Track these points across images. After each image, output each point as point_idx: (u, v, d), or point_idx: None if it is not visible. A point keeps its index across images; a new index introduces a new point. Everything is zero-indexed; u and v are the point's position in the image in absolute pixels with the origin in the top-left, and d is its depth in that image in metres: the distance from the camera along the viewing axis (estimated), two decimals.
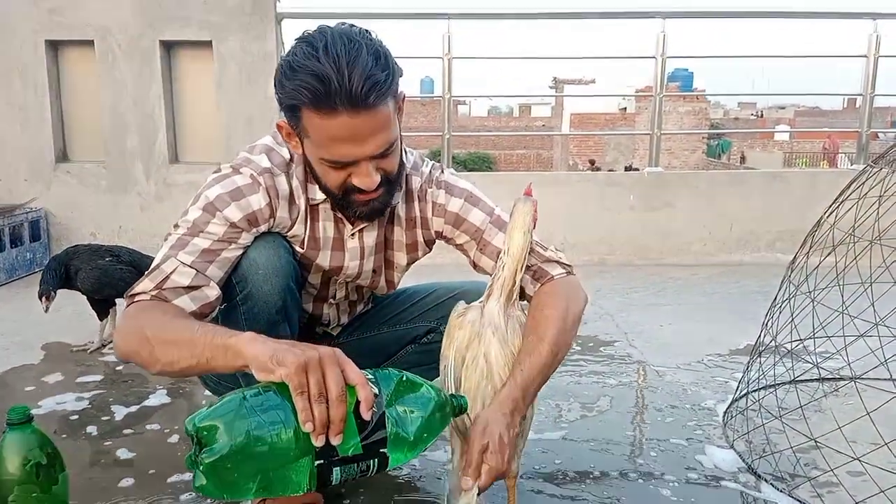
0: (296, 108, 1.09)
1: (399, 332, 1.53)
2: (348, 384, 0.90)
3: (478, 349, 1.12)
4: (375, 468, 0.92)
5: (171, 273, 1.13)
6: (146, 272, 1.15)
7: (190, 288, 1.14)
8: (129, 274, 2.21)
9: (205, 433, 0.85)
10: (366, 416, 0.88)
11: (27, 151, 3.65)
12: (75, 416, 1.82)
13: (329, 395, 0.87)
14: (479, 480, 1.01)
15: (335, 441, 0.87)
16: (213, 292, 1.16)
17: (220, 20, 3.52)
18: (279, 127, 1.19)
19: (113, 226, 3.71)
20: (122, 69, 3.57)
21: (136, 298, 1.14)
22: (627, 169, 17.46)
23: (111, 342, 2.33)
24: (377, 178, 1.14)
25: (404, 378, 0.96)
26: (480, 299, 1.18)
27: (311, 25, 1.13)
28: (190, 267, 1.14)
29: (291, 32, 3.72)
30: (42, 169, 3.67)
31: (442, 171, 1.38)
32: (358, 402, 0.89)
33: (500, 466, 1.03)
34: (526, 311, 1.22)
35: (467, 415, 1.09)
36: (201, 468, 0.85)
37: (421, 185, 1.35)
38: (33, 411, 1.82)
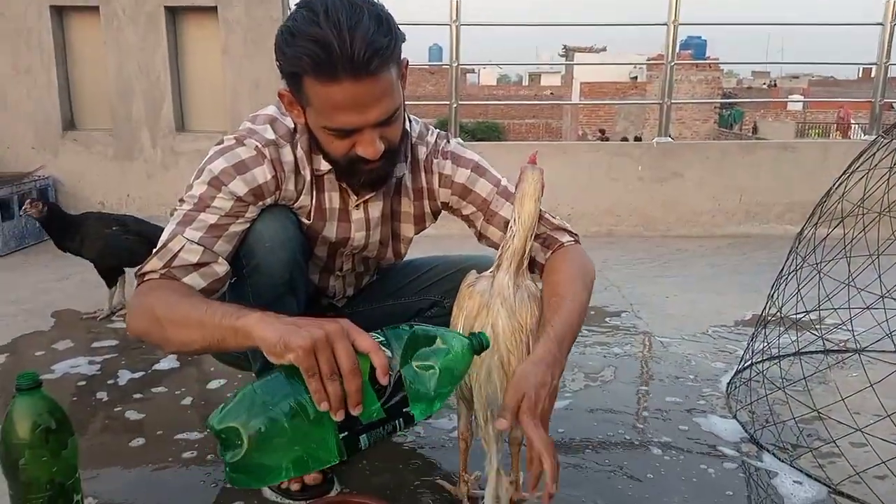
0: (297, 76, 1.06)
1: (403, 305, 1.53)
2: (360, 353, 0.89)
3: (486, 319, 1.12)
4: (402, 426, 0.92)
5: (178, 251, 1.13)
6: (155, 249, 1.15)
7: (198, 265, 1.14)
8: (135, 244, 2.23)
9: (223, 436, 0.86)
10: (383, 381, 0.88)
11: (34, 118, 3.65)
12: (85, 382, 1.84)
13: (342, 370, 0.87)
14: (513, 424, 0.97)
15: (355, 412, 0.87)
16: (221, 268, 1.16)
17: None
18: (281, 96, 1.18)
19: (121, 194, 3.72)
20: (128, 34, 3.55)
21: (146, 277, 1.14)
22: (636, 140, 17.32)
23: (121, 309, 2.36)
24: (381, 147, 1.12)
25: (416, 332, 0.94)
26: (491, 269, 1.18)
27: None
28: (198, 244, 1.14)
29: None
30: (49, 136, 3.67)
31: (448, 141, 1.36)
32: (373, 369, 0.89)
33: (540, 415, 0.98)
34: (536, 282, 1.21)
35: (472, 381, 1.10)
36: (228, 467, 0.87)
37: (427, 156, 1.33)
38: (44, 377, 1.85)
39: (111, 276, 2.35)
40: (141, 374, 1.89)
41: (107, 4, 3.51)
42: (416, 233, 1.42)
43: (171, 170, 3.68)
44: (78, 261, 2.35)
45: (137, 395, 1.76)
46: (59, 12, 3.60)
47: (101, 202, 3.71)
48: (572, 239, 1.30)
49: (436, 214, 1.41)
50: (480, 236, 1.37)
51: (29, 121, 3.65)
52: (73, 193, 3.70)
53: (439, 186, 1.35)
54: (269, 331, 0.90)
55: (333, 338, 0.88)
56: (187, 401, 1.73)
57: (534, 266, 1.28)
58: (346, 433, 0.88)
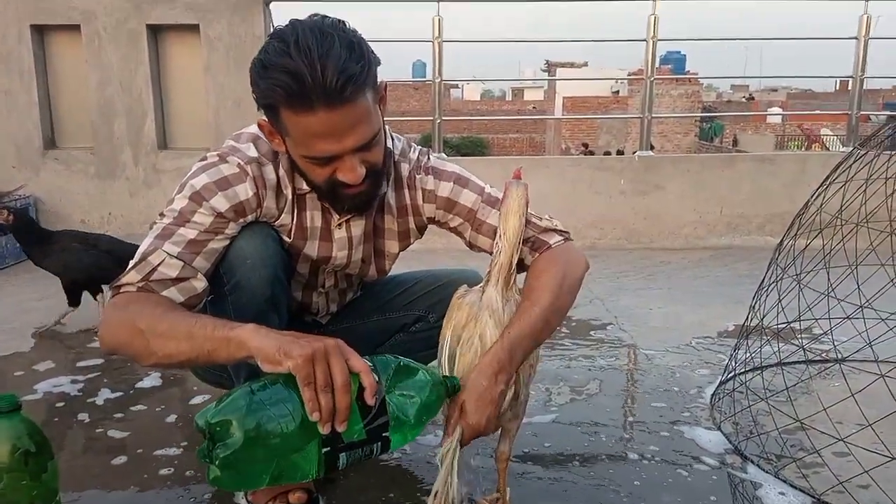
0: (273, 108, 1.07)
1: (388, 321, 1.53)
2: (352, 372, 0.91)
3: (473, 330, 1.13)
4: (378, 451, 0.95)
5: (158, 265, 1.12)
6: (132, 262, 1.14)
7: (177, 280, 1.13)
8: (102, 260, 2.23)
9: (217, 429, 0.87)
10: (370, 401, 0.91)
11: (14, 137, 3.63)
12: (67, 402, 1.82)
13: (334, 385, 0.89)
14: (456, 435, 1.03)
15: (340, 428, 0.90)
16: (200, 284, 1.15)
17: (206, 2, 3.49)
18: (260, 126, 1.18)
19: (102, 212, 3.69)
20: (109, 53, 3.54)
21: (123, 290, 1.13)
22: (619, 153, 17.47)
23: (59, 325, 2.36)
24: (362, 172, 1.12)
25: (401, 363, 0.98)
26: (481, 283, 1.18)
27: (299, 7, 1.13)
28: (177, 258, 1.13)
29: (280, 15, 3.70)
30: (30, 155, 3.64)
31: (428, 157, 1.37)
32: (361, 390, 0.91)
33: (479, 423, 1.04)
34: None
35: None
36: (216, 462, 0.87)
37: (409, 172, 1.34)
38: (25, 397, 1.83)
39: (74, 292, 2.32)
40: (122, 393, 1.87)
41: (88, 23, 3.50)
42: (401, 249, 1.42)
43: (153, 188, 3.66)
44: (59, 280, 2.33)
45: (119, 415, 1.74)
46: (39, 31, 3.59)
47: (83, 220, 3.69)
48: (561, 238, 1.29)
49: (421, 230, 1.41)
50: (471, 246, 1.37)
51: (10, 140, 3.63)
52: (54, 212, 3.67)
53: (423, 202, 1.35)
54: (266, 341, 0.93)
55: (330, 352, 0.91)
56: (171, 418, 1.72)
57: (523, 268, 1.28)
58: (328, 448, 0.90)
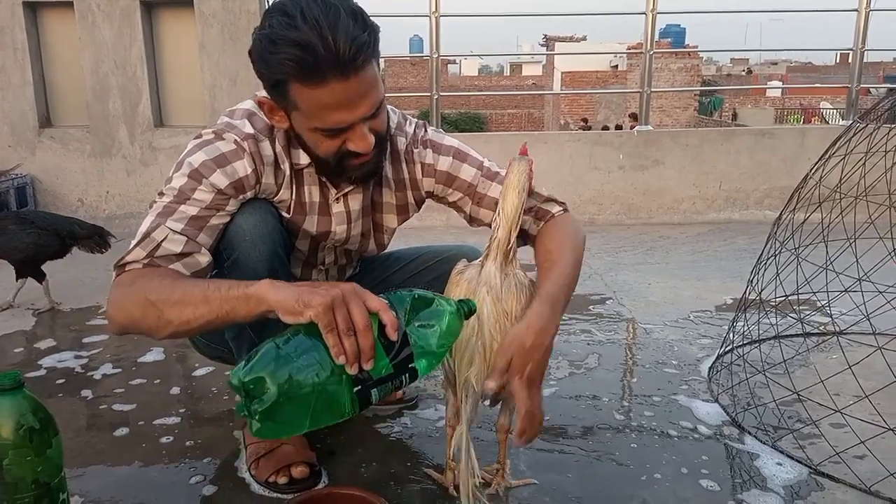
0: (282, 83, 1.06)
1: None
2: (371, 312, 0.94)
3: None
4: (408, 381, 0.98)
5: (161, 241, 1.12)
6: (135, 240, 1.13)
7: (182, 255, 1.13)
8: (41, 237, 2.28)
9: (251, 386, 0.90)
10: (392, 337, 0.94)
11: (9, 116, 3.60)
12: (70, 378, 1.83)
13: (356, 327, 0.92)
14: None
15: (368, 367, 0.93)
16: (204, 258, 1.16)
17: None
18: (261, 103, 1.18)
19: (99, 190, 3.68)
20: (103, 30, 3.50)
21: (128, 267, 1.12)
22: (618, 128, 17.39)
23: (47, 310, 2.39)
24: (372, 140, 1.13)
25: (416, 296, 1.01)
26: (480, 258, 1.18)
27: None
28: (180, 234, 1.13)
29: None
30: (26, 134, 3.62)
31: (426, 130, 1.37)
32: (382, 327, 0.94)
33: (529, 376, 1.02)
34: (524, 271, 1.22)
35: (452, 360, 1.13)
36: (256, 417, 0.90)
37: (407, 146, 1.34)
38: (28, 374, 1.84)
39: (28, 270, 2.38)
40: (125, 368, 1.88)
41: (81, 0, 3.46)
42: (400, 223, 1.42)
43: (150, 165, 3.65)
44: (59, 259, 2.35)
45: (121, 390, 1.75)
46: (32, 9, 3.55)
47: (80, 199, 3.68)
48: (561, 208, 1.33)
49: (419, 204, 1.41)
50: (472, 219, 1.38)
51: (4, 119, 3.60)
52: (51, 191, 3.66)
53: (423, 176, 1.35)
54: (284, 293, 0.95)
55: (348, 297, 0.93)
56: (175, 391, 1.73)
57: (527, 238, 1.30)
58: (359, 387, 0.94)
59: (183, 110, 3.72)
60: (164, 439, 1.50)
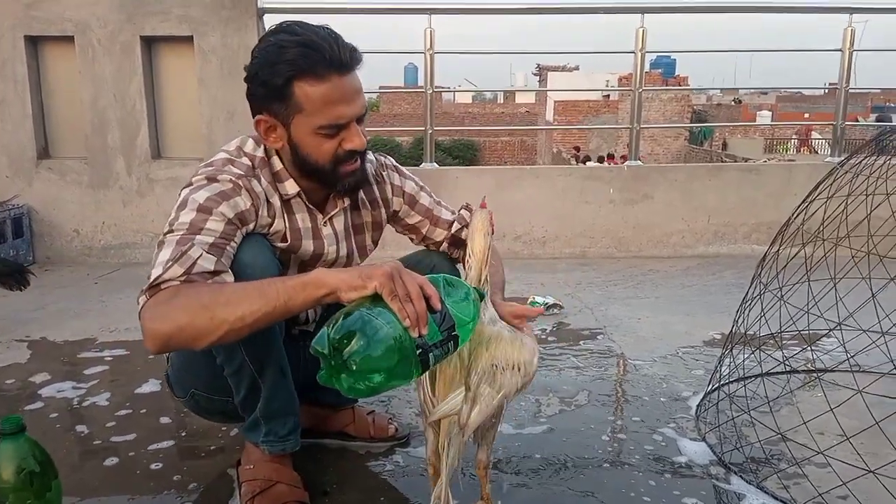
0: (287, 84, 1.21)
1: None
2: None
3: None
4: (452, 348, 1.06)
5: (197, 258, 1.14)
6: (166, 261, 1.13)
7: (214, 273, 1.16)
8: None
9: (344, 342, 0.97)
10: (436, 307, 1.04)
11: (8, 148, 3.63)
12: (62, 413, 1.84)
13: (411, 296, 1.01)
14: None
15: (424, 331, 1.01)
16: (230, 278, 1.19)
17: (199, 14, 3.51)
18: (258, 122, 1.28)
19: (96, 221, 3.71)
20: (103, 64, 3.56)
21: (164, 286, 1.12)
22: (610, 156, 17.56)
23: None
24: (364, 140, 1.29)
25: (445, 278, 1.12)
26: None
27: (293, 19, 1.26)
28: (209, 254, 1.16)
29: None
30: (24, 165, 3.65)
31: (386, 158, 1.55)
32: (427, 299, 1.03)
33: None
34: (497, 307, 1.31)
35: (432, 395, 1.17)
36: (344, 373, 0.98)
37: (376, 169, 1.50)
38: (24, 407, 1.85)
39: None
40: (120, 400, 1.89)
41: (82, 35, 3.52)
42: (376, 241, 1.55)
43: (146, 197, 3.68)
44: (55, 290, 2.36)
45: (115, 424, 1.76)
46: (33, 42, 3.61)
47: (76, 230, 3.70)
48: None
49: (387, 222, 1.56)
50: (425, 239, 1.58)
51: (3, 150, 3.64)
52: (48, 221, 3.68)
53: (392, 195, 1.52)
54: (343, 274, 1.06)
55: (400, 270, 1.05)
56: (169, 424, 1.74)
57: (460, 244, 1.52)
58: (420, 350, 1.01)
59: (180, 143, 3.76)
60: (158, 475, 1.52)
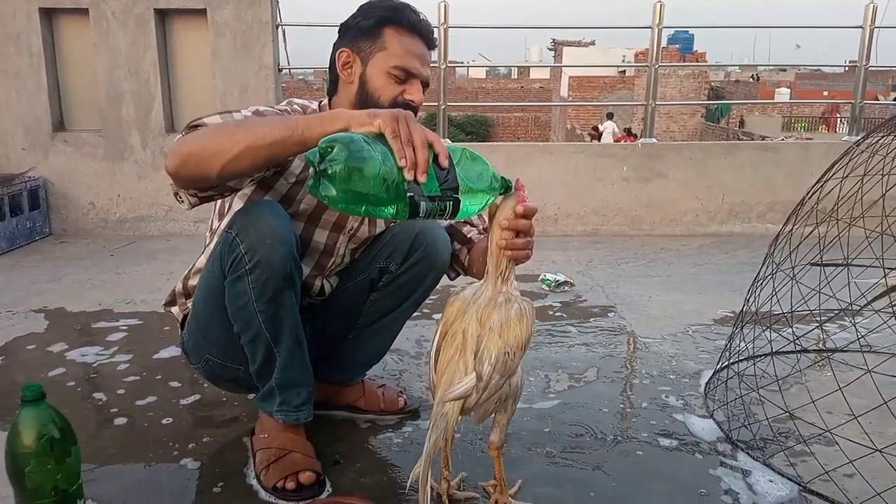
0: (379, 25, 1.37)
1: (359, 283, 1.56)
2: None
3: (458, 325, 1.17)
4: (451, 210, 1.08)
5: (233, 112, 1.28)
6: (209, 115, 1.26)
7: None
8: None
9: (329, 150, 0.99)
10: (444, 163, 1.06)
11: (23, 120, 3.66)
12: (81, 381, 1.88)
13: (414, 142, 1.04)
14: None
15: (421, 178, 1.03)
16: None
17: None
18: (340, 53, 1.40)
19: (111, 194, 3.74)
20: (117, 37, 3.56)
21: (202, 123, 1.22)
22: (628, 132, 17.40)
23: None
24: (422, 97, 1.41)
25: (468, 153, 1.13)
26: (482, 280, 1.22)
27: None
28: (250, 113, 1.29)
29: (287, 1, 3.70)
30: (39, 138, 3.68)
31: None
32: (436, 156, 1.06)
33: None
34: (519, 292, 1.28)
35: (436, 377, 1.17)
36: (325, 178, 0.99)
37: None
38: (42, 376, 1.89)
39: None
40: (137, 368, 1.93)
41: (96, 7, 3.52)
42: None
43: (161, 170, 3.70)
44: (71, 262, 2.39)
45: (133, 391, 1.80)
46: (48, 15, 3.61)
47: (92, 202, 3.74)
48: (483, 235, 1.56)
49: None
50: None
51: (19, 123, 3.67)
52: (63, 194, 3.72)
53: None
54: (356, 111, 1.11)
55: (409, 118, 1.08)
56: (185, 394, 1.77)
57: (468, 241, 1.56)
58: (411, 194, 1.03)
59: (195, 116, 3.76)
60: (173, 443, 1.55)
